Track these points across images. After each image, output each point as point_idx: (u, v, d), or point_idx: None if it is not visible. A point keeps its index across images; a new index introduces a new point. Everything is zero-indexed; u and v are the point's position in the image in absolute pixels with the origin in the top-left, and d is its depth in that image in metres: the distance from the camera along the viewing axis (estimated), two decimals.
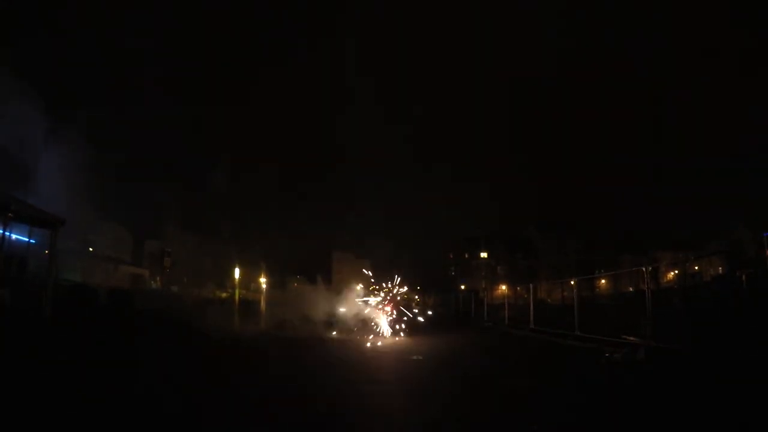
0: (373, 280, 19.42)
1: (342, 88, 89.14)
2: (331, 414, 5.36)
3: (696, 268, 15.80)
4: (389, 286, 18.65)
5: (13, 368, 6.77)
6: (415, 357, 10.48)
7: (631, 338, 9.74)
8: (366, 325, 17.54)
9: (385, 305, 18.86)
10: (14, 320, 9.48)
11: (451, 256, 71.55)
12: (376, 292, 18.86)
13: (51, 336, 9.44)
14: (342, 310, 19.41)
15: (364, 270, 21.66)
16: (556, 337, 13.94)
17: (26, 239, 11.92)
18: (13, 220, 10.60)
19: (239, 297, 29.52)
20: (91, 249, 28.56)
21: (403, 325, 17.08)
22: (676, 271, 18.99)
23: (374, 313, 18.14)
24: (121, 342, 9.98)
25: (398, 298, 18.38)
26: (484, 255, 45.04)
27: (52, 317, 10.68)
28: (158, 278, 34.31)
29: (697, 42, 74.70)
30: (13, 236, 11.26)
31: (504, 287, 35.53)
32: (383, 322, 17.33)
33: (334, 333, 16.83)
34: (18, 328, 8.99)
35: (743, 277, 8.29)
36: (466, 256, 62.00)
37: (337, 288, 24.00)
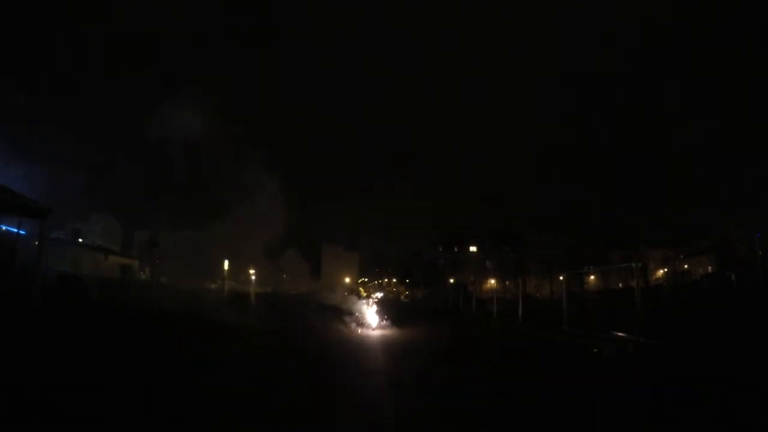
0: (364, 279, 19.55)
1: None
2: None
3: (685, 266, 16.04)
4: (378, 279, 18.88)
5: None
6: (404, 348, 10.52)
7: (620, 334, 9.88)
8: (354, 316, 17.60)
9: (373, 298, 19.02)
10: (4, 309, 9.37)
11: (440, 249, 71.82)
12: (365, 285, 19.04)
13: (40, 324, 9.34)
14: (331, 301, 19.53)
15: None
16: (544, 331, 13.98)
17: (15, 230, 11.74)
18: (3, 209, 10.42)
19: (228, 288, 29.49)
20: (80, 240, 28.19)
21: (390, 318, 17.18)
22: (666, 269, 19.31)
23: (363, 304, 18.28)
24: (108, 330, 9.92)
25: (387, 290, 18.60)
26: (473, 249, 45.10)
27: (42, 306, 10.57)
28: (147, 269, 33.97)
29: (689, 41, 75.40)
30: (3, 227, 11.10)
31: (493, 281, 35.81)
32: (371, 313, 17.45)
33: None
34: (8, 317, 8.89)
35: (733, 276, 8.44)
36: (455, 249, 62.29)
37: (325, 281, 24.12)
